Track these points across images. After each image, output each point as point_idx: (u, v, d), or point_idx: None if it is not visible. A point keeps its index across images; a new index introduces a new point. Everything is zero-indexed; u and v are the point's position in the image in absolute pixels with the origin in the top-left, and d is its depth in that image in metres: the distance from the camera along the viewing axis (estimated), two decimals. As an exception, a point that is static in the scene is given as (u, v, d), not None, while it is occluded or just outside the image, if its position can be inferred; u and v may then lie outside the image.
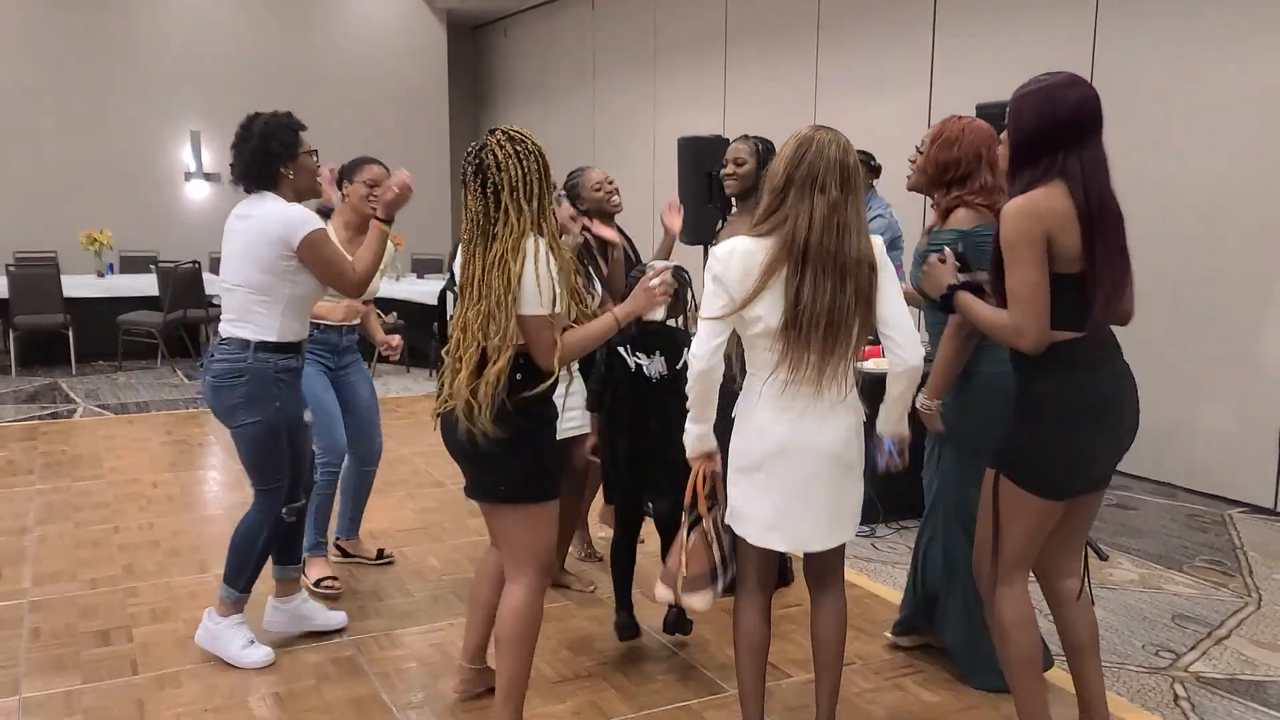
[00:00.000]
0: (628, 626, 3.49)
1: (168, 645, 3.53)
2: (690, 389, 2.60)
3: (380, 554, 4.40)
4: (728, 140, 5.26)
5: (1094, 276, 2.42)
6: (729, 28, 9.01)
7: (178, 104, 11.48)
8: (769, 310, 2.46)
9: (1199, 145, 5.44)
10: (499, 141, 2.61)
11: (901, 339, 2.52)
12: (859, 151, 2.69)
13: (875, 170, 5.33)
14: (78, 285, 9.12)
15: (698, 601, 2.74)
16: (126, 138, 11.27)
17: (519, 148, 2.60)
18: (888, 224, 5.07)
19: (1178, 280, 5.51)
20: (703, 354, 2.54)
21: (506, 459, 2.64)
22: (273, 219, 3.18)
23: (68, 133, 10.96)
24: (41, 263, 9.30)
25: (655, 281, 2.79)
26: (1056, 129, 2.40)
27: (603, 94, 11.17)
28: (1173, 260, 5.50)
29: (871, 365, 4.33)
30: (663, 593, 2.81)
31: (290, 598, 3.57)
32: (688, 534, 2.72)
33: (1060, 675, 3.07)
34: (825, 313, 2.44)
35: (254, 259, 3.21)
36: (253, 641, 3.39)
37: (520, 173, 2.58)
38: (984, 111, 4.69)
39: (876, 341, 2.64)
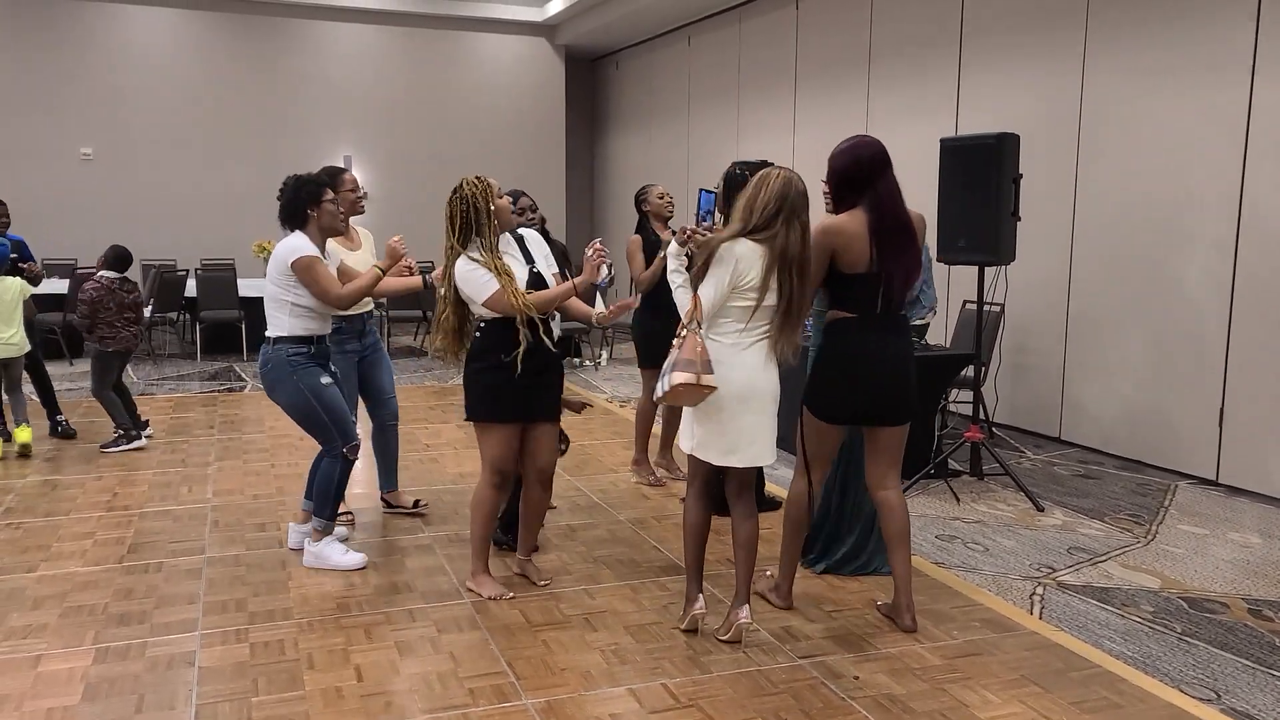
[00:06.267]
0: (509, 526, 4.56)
1: (304, 533, 4.95)
2: (681, 301, 3.51)
3: (416, 504, 5.21)
4: (769, 163, 6.41)
5: (884, 275, 3.57)
6: (798, 66, 10.15)
7: (333, 133, 13.37)
8: (771, 295, 3.49)
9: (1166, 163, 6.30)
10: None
11: None
12: None
13: None
14: (250, 286, 10.73)
15: (713, 380, 3.39)
16: (291, 162, 13.02)
17: (454, 194, 3.88)
18: None
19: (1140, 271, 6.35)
20: (712, 300, 3.43)
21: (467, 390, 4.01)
22: (281, 249, 4.27)
23: (245, 159, 12.99)
24: (222, 267, 11.17)
25: (590, 253, 3.93)
26: (856, 173, 3.59)
27: (696, 120, 12.40)
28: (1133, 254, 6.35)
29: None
30: (681, 377, 3.34)
31: (309, 532, 4.58)
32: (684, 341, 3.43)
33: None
34: (800, 299, 3.52)
35: (271, 278, 4.37)
36: (347, 551, 4.54)
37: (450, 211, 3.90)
38: (946, 143, 5.77)
39: None
